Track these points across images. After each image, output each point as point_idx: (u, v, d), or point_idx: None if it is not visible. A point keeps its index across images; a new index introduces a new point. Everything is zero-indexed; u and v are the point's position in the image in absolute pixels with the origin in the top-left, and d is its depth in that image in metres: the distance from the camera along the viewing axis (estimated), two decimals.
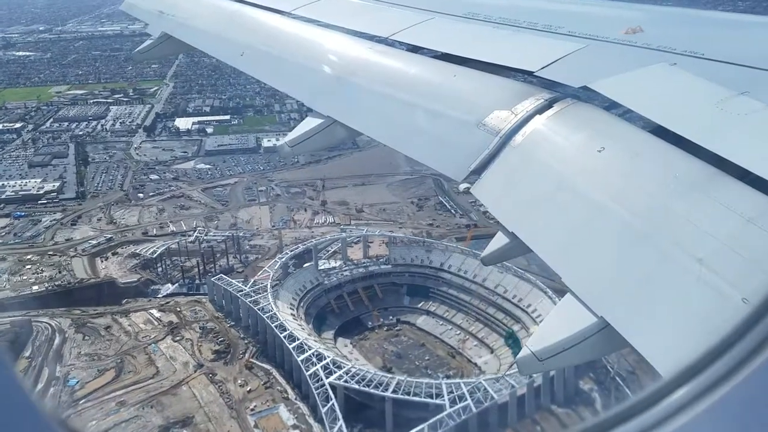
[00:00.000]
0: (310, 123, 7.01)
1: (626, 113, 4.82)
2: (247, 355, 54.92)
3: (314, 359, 48.93)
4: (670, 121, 4.34)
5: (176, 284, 67.02)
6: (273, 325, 53.25)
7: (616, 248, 3.83)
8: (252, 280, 60.69)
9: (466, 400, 44.20)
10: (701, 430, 1.61)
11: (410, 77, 7.06)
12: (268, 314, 54.78)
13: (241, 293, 58.47)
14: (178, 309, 61.92)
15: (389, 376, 48.52)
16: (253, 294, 58.04)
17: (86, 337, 57.31)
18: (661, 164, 4.11)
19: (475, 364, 56.22)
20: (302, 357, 49.13)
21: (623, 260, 3.74)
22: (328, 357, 49.29)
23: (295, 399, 49.57)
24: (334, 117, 6.88)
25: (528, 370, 4.07)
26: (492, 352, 57.21)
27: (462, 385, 46.01)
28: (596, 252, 3.98)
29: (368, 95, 7.04)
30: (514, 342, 55.96)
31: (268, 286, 58.29)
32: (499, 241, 4.53)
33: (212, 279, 62.94)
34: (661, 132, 4.30)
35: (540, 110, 5.06)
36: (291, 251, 66.55)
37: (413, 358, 58.22)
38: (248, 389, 50.66)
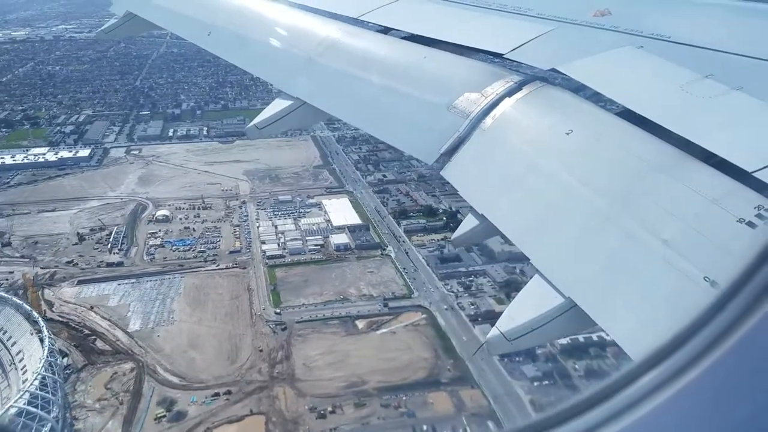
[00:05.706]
0: (279, 105, 7.01)
1: (594, 96, 4.82)
2: None
3: None
4: (636, 103, 4.40)
5: None
6: None
7: (583, 230, 3.86)
8: None
9: None
10: (671, 414, 1.61)
11: (380, 59, 7.03)
12: None
13: None
14: None
15: None
16: None
17: None
18: (628, 147, 4.18)
19: None
20: None
21: (590, 241, 3.79)
22: None
23: None
24: (304, 99, 6.90)
25: (497, 351, 3.75)
26: None
27: None
28: (564, 233, 4.02)
29: (337, 77, 7.01)
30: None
31: None
32: (469, 223, 4.57)
33: None
34: (627, 115, 4.36)
35: (509, 93, 5.11)
36: None
37: None
38: None
